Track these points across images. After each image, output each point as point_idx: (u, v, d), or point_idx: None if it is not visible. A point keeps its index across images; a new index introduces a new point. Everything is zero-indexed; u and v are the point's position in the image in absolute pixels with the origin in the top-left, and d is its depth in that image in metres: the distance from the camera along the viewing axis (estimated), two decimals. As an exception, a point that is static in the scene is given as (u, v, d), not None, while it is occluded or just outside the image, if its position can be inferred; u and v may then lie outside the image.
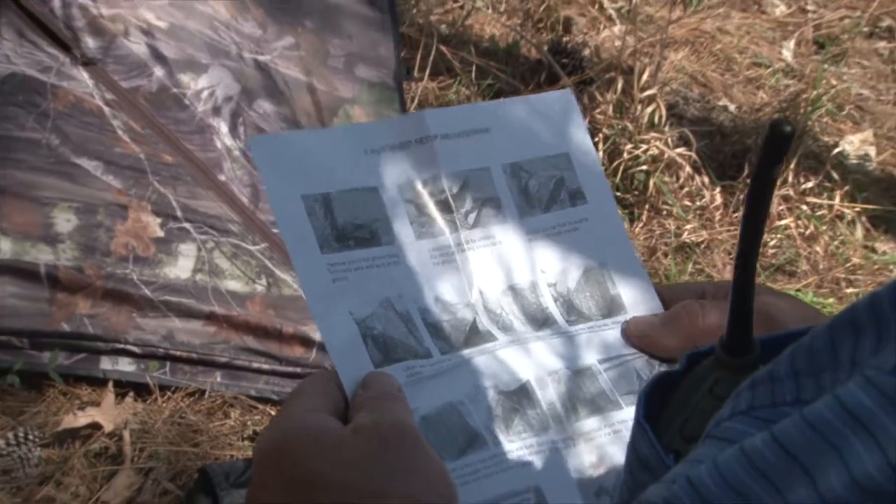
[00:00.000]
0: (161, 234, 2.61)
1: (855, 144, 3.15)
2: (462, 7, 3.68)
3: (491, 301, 0.97)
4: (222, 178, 2.65)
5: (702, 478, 0.52)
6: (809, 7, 3.44)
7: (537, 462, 0.89)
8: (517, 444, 0.89)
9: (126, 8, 2.72)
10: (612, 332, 0.98)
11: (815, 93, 3.24)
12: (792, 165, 3.32)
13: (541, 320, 0.97)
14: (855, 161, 3.47)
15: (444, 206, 1.00)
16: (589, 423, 0.92)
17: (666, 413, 0.69)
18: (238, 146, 2.69)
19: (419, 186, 1.01)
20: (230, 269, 2.61)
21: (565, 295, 1.00)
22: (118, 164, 2.61)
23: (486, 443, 0.88)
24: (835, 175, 3.38)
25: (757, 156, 0.69)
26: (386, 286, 0.95)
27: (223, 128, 2.71)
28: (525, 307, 0.98)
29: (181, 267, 2.60)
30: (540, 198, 1.04)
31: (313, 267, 0.93)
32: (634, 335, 0.97)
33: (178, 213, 2.62)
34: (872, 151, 3.12)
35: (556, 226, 1.04)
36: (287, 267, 2.60)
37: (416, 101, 3.27)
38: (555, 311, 0.98)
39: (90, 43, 2.65)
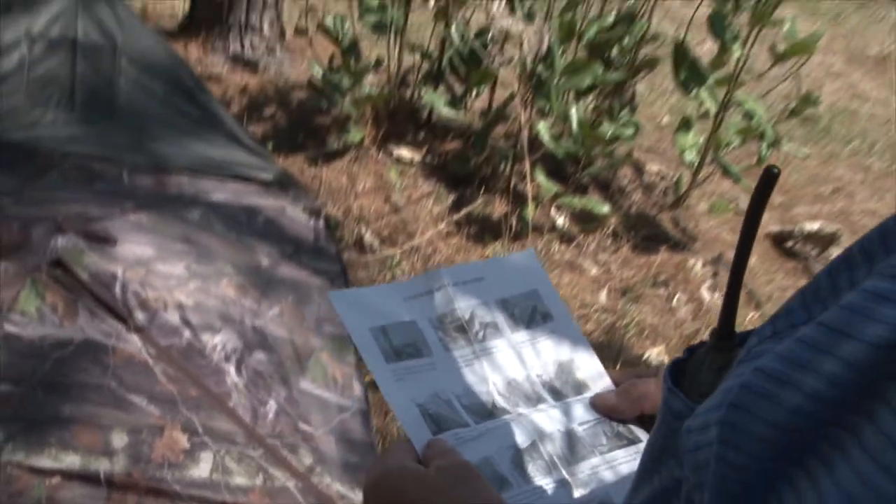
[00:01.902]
0: (187, 446, 2.68)
1: (654, 354, 3.26)
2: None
3: (501, 389, 1.07)
4: (231, 405, 2.75)
5: (766, 364, 0.49)
6: (613, 268, 3.66)
7: (549, 493, 0.99)
8: (534, 483, 0.99)
9: (164, 291, 2.85)
10: (583, 405, 1.07)
11: (623, 323, 3.35)
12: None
13: (535, 399, 1.07)
14: (656, 366, 3.62)
15: (461, 330, 1.12)
16: (578, 467, 1.01)
17: (683, 383, 0.67)
18: (242, 382, 2.80)
19: (442, 318, 1.12)
20: (237, 468, 2.68)
21: (548, 382, 1.10)
22: (158, 399, 2.67)
23: (511, 484, 0.97)
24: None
25: (754, 193, 0.68)
26: (432, 383, 1.05)
27: (231, 370, 2.79)
28: (524, 392, 1.08)
29: (202, 469, 2.65)
30: (523, 320, 1.15)
31: (383, 372, 1.04)
32: (599, 406, 1.05)
33: (200, 431, 2.70)
34: (665, 358, 3.24)
35: (535, 338, 1.14)
36: (279, 465, 2.71)
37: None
38: (544, 393, 1.09)
39: (139, 316, 2.74)
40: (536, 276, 1.22)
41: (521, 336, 1.15)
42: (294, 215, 3.52)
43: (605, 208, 3.79)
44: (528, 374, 1.12)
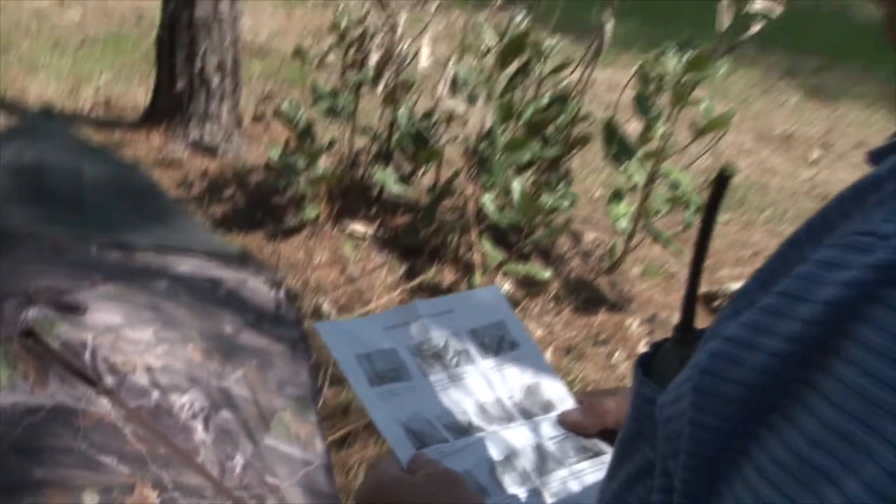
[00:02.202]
0: (158, 501, 2.64)
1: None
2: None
3: (476, 409, 1.12)
4: (199, 460, 2.72)
5: (732, 332, 0.50)
6: (556, 329, 3.69)
7: (524, 502, 1.02)
8: (509, 493, 1.02)
9: (133, 355, 2.82)
10: (550, 422, 1.11)
11: (569, 379, 3.28)
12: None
13: (507, 418, 1.12)
14: (613, 386, 3.62)
15: (437, 356, 1.16)
16: (549, 478, 1.05)
17: (651, 374, 0.68)
18: (210, 439, 2.77)
19: (419, 346, 1.16)
20: (206, 522, 2.66)
21: (518, 403, 1.14)
22: (128, 458, 2.63)
23: (490, 494, 1.00)
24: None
25: (709, 196, 0.71)
26: (413, 404, 1.09)
27: (199, 428, 2.76)
28: (497, 412, 1.13)
29: (172, 524, 2.64)
30: (492, 347, 1.20)
31: (369, 394, 1.08)
32: (565, 422, 1.07)
33: (169, 486, 2.64)
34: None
35: (504, 363, 1.19)
36: (245, 516, 2.68)
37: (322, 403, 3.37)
38: (515, 413, 1.13)
39: (109, 379, 2.70)
40: (502, 308, 1.26)
41: (491, 362, 1.19)
42: (255, 287, 3.51)
43: (547, 274, 3.83)
44: (499, 397, 1.16)
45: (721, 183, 0.69)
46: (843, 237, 0.47)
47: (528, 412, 1.15)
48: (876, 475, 0.42)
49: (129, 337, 3.06)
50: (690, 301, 0.73)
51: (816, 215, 0.51)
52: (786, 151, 6.05)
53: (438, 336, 1.19)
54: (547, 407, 1.16)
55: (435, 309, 1.22)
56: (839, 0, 10.96)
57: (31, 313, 3.02)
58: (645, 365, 0.70)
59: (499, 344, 1.22)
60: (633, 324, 3.79)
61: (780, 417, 0.47)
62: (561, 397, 1.17)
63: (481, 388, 1.17)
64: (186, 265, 3.49)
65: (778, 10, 3.80)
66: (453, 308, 1.24)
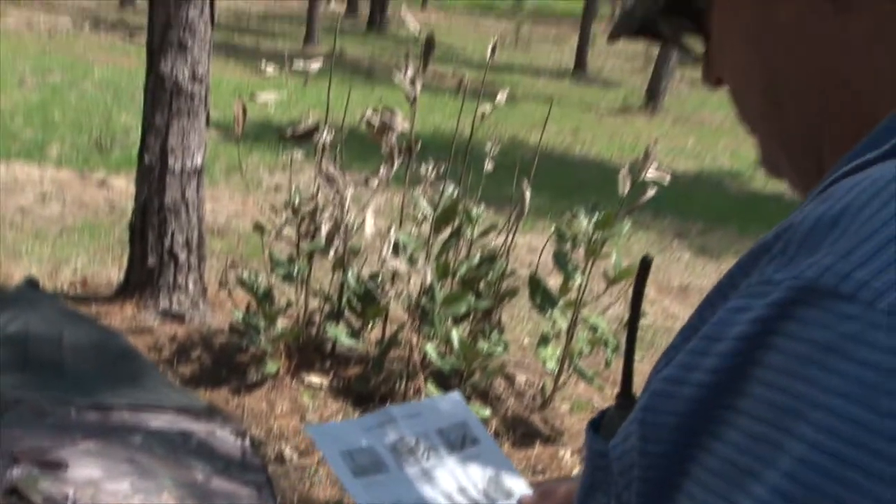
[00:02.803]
0: None
1: None
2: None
3: (446, 496, 1.17)
4: None
5: (667, 373, 0.53)
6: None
7: None
8: None
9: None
10: None
11: None
12: None
13: (475, 503, 1.17)
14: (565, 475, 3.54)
15: (410, 452, 1.21)
16: None
17: (599, 433, 0.70)
18: None
19: (395, 444, 1.21)
20: None
21: (483, 490, 1.19)
22: None
23: None
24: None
25: (635, 278, 0.76)
26: (393, 493, 1.15)
27: None
28: (464, 499, 1.17)
29: None
30: (457, 444, 1.25)
31: (354, 485, 1.12)
32: None
33: None
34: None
35: (468, 458, 1.24)
36: None
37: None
38: (480, 499, 1.18)
39: None
40: (464, 411, 1.32)
41: (457, 457, 1.24)
42: (223, 437, 3.45)
43: (487, 412, 3.81)
44: (465, 486, 1.21)
45: (644, 266, 0.75)
46: (745, 288, 0.49)
47: (491, 498, 1.19)
48: (790, 465, 0.44)
49: (108, 489, 2.97)
50: (628, 372, 0.77)
51: (725, 278, 0.53)
52: (684, 300, 6.17)
53: (410, 435, 1.23)
54: (508, 494, 1.20)
55: (406, 412, 1.28)
56: (716, 176, 11.46)
57: (16, 472, 2.93)
58: (594, 427, 0.73)
59: (463, 441, 1.26)
60: (566, 455, 3.76)
61: (711, 438, 0.48)
62: (519, 485, 1.21)
63: (450, 478, 1.21)
64: (159, 420, 3.43)
65: (666, 179, 3.95)
66: (421, 411, 1.29)
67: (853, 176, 0.50)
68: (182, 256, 4.48)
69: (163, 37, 4.29)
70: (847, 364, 0.43)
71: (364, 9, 29.52)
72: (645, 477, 0.53)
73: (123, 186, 6.75)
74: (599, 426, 0.74)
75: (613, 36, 0.74)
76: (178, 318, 4.38)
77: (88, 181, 7.24)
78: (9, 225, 5.84)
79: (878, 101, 0.56)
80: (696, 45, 0.72)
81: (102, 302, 4.47)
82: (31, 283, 3.66)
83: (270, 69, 4.16)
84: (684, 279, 6.77)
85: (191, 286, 4.51)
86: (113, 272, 4.98)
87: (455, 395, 1.37)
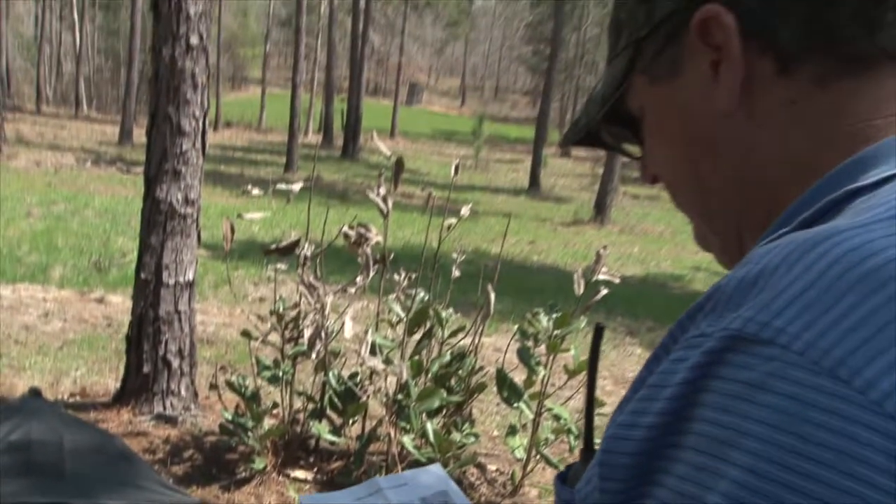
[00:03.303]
0: None
1: None
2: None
3: None
4: None
5: (621, 419, 0.53)
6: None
7: None
8: None
9: None
10: None
11: None
12: None
13: None
14: None
15: None
16: None
17: (567, 483, 0.70)
18: None
19: None
20: None
21: None
22: None
23: None
24: None
25: (591, 344, 0.76)
26: None
27: None
28: None
29: None
30: None
31: None
32: None
33: None
34: None
35: None
36: None
37: None
38: None
39: None
40: (445, 481, 1.31)
41: None
42: (214, 531, 3.35)
43: (461, 500, 3.73)
44: None
45: (598, 333, 0.76)
46: (684, 342, 0.51)
47: None
48: (728, 488, 0.45)
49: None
50: (589, 429, 0.77)
51: (667, 336, 0.55)
52: (638, 391, 6.17)
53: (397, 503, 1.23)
54: None
55: (392, 483, 1.27)
56: (661, 279, 11.58)
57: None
58: (562, 479, 0.73)
59: None
60: (537, 537, 3.68)
61: (662, 473, 0.50)
62: None
63: None
64: (156, 517, 3.32)
65: (616, 280, 4.01)
66: (406, 482, 1.28)
67: (767, 245, 0.53)
68: (175, 363, 4.42)
69: (159, 166, 4.34)
70: (771, 397, 0.45)
71: (338, 139, 30.01)
72: None
73: (120, 302, 6.71)
74: (566, 478, 0.74)
75: (564, 144, 0.79)
76: (172, 420, 4.29)
77: (88, 299, 7.19)
78: (14, 341, 5.77)
79: (786, 192, 0.59)
80: (634, 149, 0.75)
81: (101, 408, 4.39)
82: (34, 393, 3.58)
83: (256, 191, 4.21)
84: (637, 372, 6.77)
85: (183, 391, 4.44)
86: (110, 381, 4.90)
87: (436, 467, 1.36)
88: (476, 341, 4.14)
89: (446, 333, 4.14)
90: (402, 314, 4.02)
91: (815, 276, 0.47)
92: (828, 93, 0.60)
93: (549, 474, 4.19)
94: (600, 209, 17.51)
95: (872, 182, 0.54)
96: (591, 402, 0.78)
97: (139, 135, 18.86)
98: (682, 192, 0.69)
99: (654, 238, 15.76)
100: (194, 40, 4.21)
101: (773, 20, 0.60)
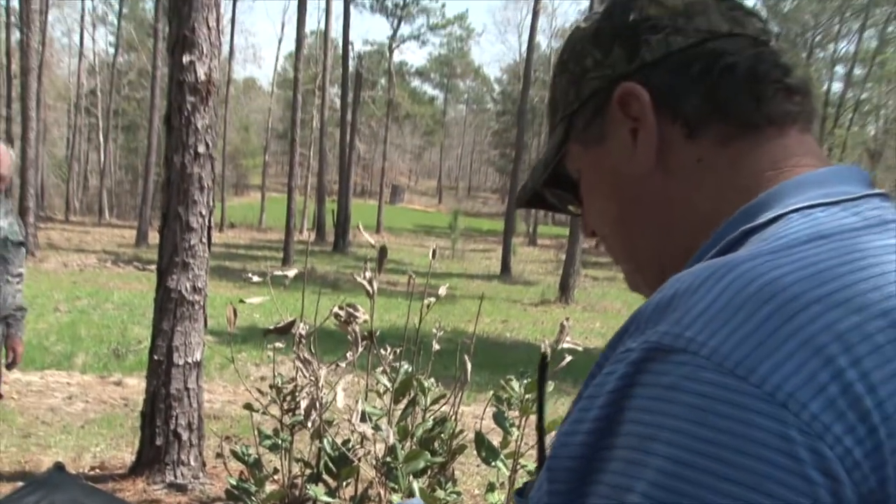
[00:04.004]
0: None
1: None
2: None
3: None
4: None
5: (564, 429, 0.56)
6: None
7: None
8: None
9: None
10: None
11: None
12: None
13: None
14: None
15: None
16: None
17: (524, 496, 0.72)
18: None
19: None
20: None
21: None
22: None
23: None
24: None
25: (538, 373, 0.79)
26: None
27: None
28: None
29: None
30: None
31: None
32: None
33: None
34: None
35: None
36: None
37: None
38: None
39: None
40: None
41: None
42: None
43: (446, 553, 3.63)
44: None
45: (543, 360, 0.80)
46: (612, 357, 0.54)
47: None
48: (652, 475, 0.48)
49: None
50: (541, 446, 0.79)
51: (600, 357, 0.58)
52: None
53: None
54: None
55: None
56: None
57: None
58: (520, 494, 0.75)
59: None
60: (516, 585, 3.57)
61: (599, 472, 0.52)
62: None
63: None
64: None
65: (580, 348, 4.00)
66: None
67: (678, 274, 0.56)
68: (185, 436, 4.34)
69: (170, 259, 4.34)
70: (685, 396, 0.48)
71: (329, 236, 30.12)
72: None
73: (135, 384, 6.61)
74: (524, 493, 0.75)
75: (517, 205, 0.83)
76: (182, 488, 4.19)
77: (107, 382, 7.09)
78: (41, 422, 5.66)
79: (698, 234, 0.64)
80: (575, 208, 0.80)
81: (118, 479, 4.29)
82: (59, 468, 3.50)
83: (255, 278, 4.21)
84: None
85: (192, 461, 4.35)
86: (126, 454, 4.79)
87: (416, 501, 1.35)
88: (456, 408, 4.10)
89: (429, 401, 4.08)
90: (389, 385, 3.98)
91: (716, 296, 0.51)
92: (728, 152, 0.65)
93: (526, 526, 4.11)
94: (564, 290, 17.59)
95: (763, 222, 0.59)
96: (541, 421, 0.80)
97: (153, 236, 18.93)
98: (614, 240, 0.73)
99: (613, 314, 15.79)
100: (202, 149, 4.28)
101: (680, 96, 0.65)
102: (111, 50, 45.27)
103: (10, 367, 3.63)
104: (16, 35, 24.93)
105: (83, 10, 43.13)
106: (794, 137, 0.65)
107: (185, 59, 4.18)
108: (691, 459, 0.47)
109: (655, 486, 0.48)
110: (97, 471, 4.57)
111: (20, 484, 3.25)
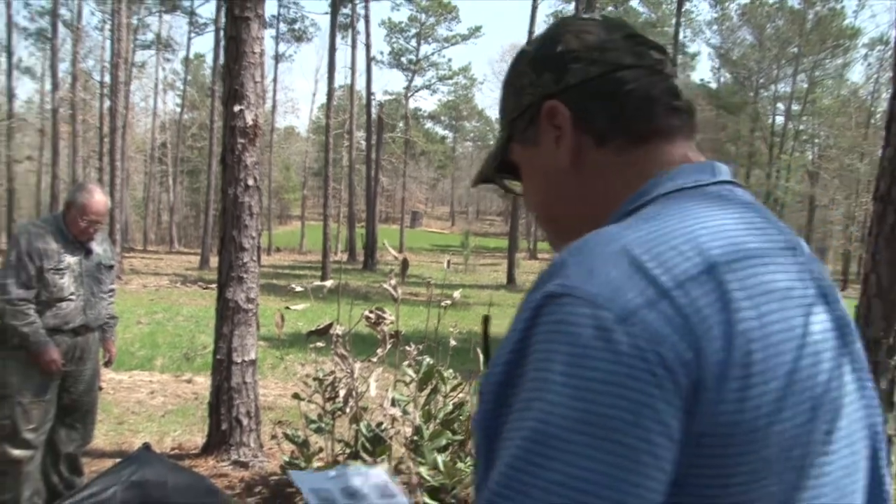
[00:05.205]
0: None
1: None
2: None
3: None
4: None
5: (476, 413, 0.65)
6: None
7: None
8: None
9: None
10: None
11: None
12: None
13: None
14: None
15: (352, 495, 1.27)
16: None
17: None
18: None
19: (344, 489, 1.29)
20: None
21: None
22: None
23: None
24: None
25: (481, 331, 0.84)
26: None
27: None
28: None
29: None
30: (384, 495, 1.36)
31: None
32: None
33: None
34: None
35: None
36: None
37: None
38: None
39: None
40: (389, 484, 1.44)
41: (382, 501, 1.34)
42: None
43: (466, 515, 3.61)
44: None
45: (485, 321, 0.84)
46: (524, 305, 0.62)
47: None
48: (555, 388, 0.55)
49: None
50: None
51: (521, 304, 0.64)
52: None
53: (355, 486, 1.32)
54: None
55: (354, 472, 1.43)
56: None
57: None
58: None
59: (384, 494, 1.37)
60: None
61: (513, 396, 0.59)
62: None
63: None
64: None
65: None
66: (362, 473, 1.43)
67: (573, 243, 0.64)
68: (245, 422, 4.35)
69: (227, 275, 4.38)
70: (570, 327, 0.56)
71: (359, 256, 30.19)
72: (484, 426, 0.62)
73: (203, 382, 6.65)
74: None
75: (472, 185, 0.91)
76: (244, 465, 4.20)
77: (180, 380, 7.13)
78: (131, 412, 5.76)
79: (601, 214, 0.72)
80: (517, 187, 0.86)
81: (192, 458, 4.31)
82: (146, 448, 3.54)
83: (298, 287, 4.24)
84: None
85: (252, 443, 4.36)
86: (198, 438, 4.81)
87: (381, 469, 1.48)
88: (471, 394, 4.09)
89: (448, 389, 4.09)
90: (414, 375, 3.98)
91: (587, 255, 0.60)
92: (626, 156, 0.73)
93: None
94: (558, 294, 17.57)
95: (641, 204, 0.69)
96: (486, 350, 0.84)
97: (213, 261, 19.07)
98: (543, 215, 0.80)
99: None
100: (251, 182, 4.32)
101: (592, 113, 0.74)
102: (178, 109, 46.03)
103: (106, 364, 3.71)
104: (106, 103, 25.54)
105: (157, 79, 44.15)
106: (676, 145, 0.73)
107: (236, 108, 4.24)
108: (579, 372, 0.55)
109: (558, 394, 0.55)
110: (176, 451, 4.60)
111: (118, 460, 3.27)
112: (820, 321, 0.61)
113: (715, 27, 39.58)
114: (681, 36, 28.67)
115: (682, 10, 27.15)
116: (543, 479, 0.54)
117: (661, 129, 0.73)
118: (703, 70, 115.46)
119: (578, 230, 0.71)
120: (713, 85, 41.62)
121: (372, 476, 1.34)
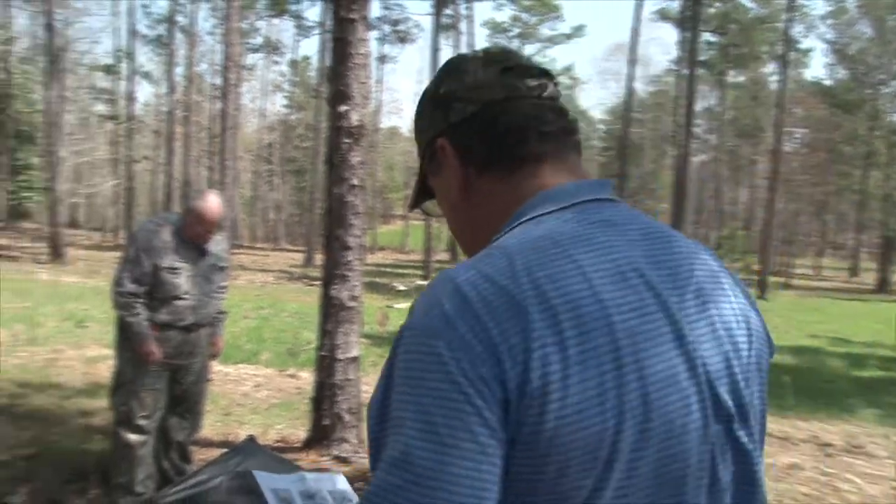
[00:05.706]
0: None
1: None
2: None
3: None
4: None
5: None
6: None
7: None
8: None
9: None
10: None
11: None
12: None
13: None
14: None
15: (310, 497, 1.41)
16: None
17: None
18: None
19: (303, 491, 1.39)
20: None
21: None
22: None
23: None
24: None
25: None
26: None
27: None
28: None
29: None
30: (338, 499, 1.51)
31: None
32: None
33: None
34: None
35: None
36: None
37: None
38: None
39: None
40: (341, 483, 1.61)
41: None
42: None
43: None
44: None
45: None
46: (396, 338, 0.74)
47: None
48: (412, 406, 0.66)
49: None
50: None
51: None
52: None
53: (313, 489, 1.46)
54: None
55: (314, 476, 1.58)
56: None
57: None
58: None
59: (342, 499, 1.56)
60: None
61: (389, 408, 0.69)
62: None
63: None
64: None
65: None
66: (322, 479, 1.58)
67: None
68: (346, 418, 4.46)
69: (332, 273, 4.49)
70: (410, 355, 0.69)
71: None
72: (374, 438, 0.70)
73: (306, 377, 6.87)
74: None
75: (409, 209, 0.99)
76: (345, 460, 4.30)
77: (284, 375, 7.40)
78: (236, 404, 5.99)
79: (490, 233, 0.81)
80: (437, 211, 0.96)
81: (295, 451, 4.45)
82: (251, 439, 3.68)
83: (401, 287, 4.30)
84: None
85: (353, 438, 4.46)
86: (301, 432, 4.97)
87: (341, 478, 1.61)
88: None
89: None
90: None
91: (425, 297, 0.72)
92: (504, 184, 0.82)
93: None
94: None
95: (514, 226, 0.78)
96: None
97: (318, 258, 19.67)
98: (455, 235, 0.91)
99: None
100: (356, 181, 4.42)
101: (472, 147, 0.83)
102: (284, 110, 48.00)
103: (212, 357, 3.88)
104: (217, 104, 26.98)
105: (265, 81, 46.30)
106: (547, 168, 0.81)
107: (342, 108, 4.35)
108: (420, 390, 0.66)
109: (417, 409, 0.65)
110: (279, 444, 4.77)
111: (224, 450, 3.43)
112: (637, 326, 0.70)
113: (830, 21, 37.20)
114: (793, 31, 27.03)
115: (794, 4, 25.50)
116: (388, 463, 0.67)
117: (532, 154, 0.82)
118: (816, 67, 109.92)
119: (478, 247, 0.80)
120: (827, 82, 39.13)
121: (332, 482, 1.43)
